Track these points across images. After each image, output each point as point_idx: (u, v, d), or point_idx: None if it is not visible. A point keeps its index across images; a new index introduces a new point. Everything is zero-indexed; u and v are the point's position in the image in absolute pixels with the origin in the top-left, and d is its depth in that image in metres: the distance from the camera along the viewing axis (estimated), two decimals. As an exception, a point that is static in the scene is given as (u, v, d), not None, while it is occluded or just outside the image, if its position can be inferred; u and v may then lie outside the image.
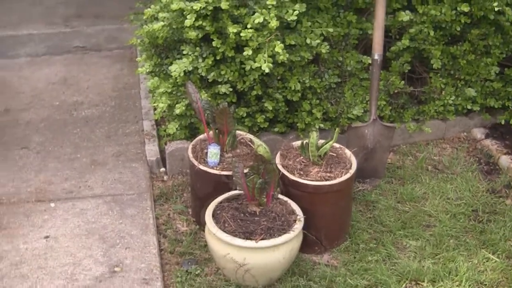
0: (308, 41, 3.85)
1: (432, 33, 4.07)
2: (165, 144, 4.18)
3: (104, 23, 5.83)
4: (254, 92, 3.98)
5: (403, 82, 4.26)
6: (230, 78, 3.91)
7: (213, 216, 3.27)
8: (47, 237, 3.62)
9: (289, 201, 3.36)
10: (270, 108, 4.01)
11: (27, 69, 5.47)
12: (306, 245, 3.40)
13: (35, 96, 5.05)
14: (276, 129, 4.17)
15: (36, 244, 3.57)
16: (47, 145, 4.43)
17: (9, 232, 3.66)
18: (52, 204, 3.88)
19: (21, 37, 5.73)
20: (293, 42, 3.82)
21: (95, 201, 3.88)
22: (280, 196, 3.39)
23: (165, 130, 4.27)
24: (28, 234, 3.64)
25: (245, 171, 3.26)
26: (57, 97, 5.02)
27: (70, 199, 3.91)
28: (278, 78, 3.98)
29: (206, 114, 3.58)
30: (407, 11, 4.04)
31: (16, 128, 4.64)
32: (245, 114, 4.05)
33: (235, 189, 3.37)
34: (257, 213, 3.27)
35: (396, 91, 4.27)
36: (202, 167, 3.52)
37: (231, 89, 3.96)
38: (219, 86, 3.95)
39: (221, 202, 3.37)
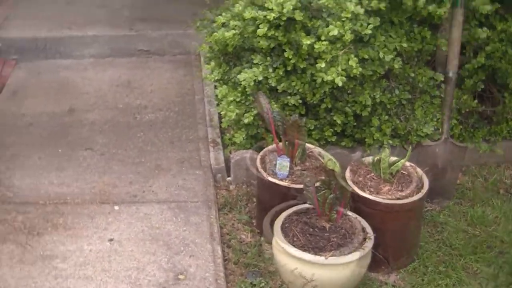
0: (381, 55, 3.79)
1: (510, 51, 3.97)
2: (230, 152, 4.17)
3: (168, 28, 5.86)
4: (324, 105, 3.93)
5: (476, 101, 4.17)
6: (300, 90, 3.88)
7: (281, 229, 3.23)
8: (111, 240, 3.64)
9: (359, 218, 3.31)
10: (339, 122, 3.97)
11: (91, 70, 5.53)
12: (373, 264, 3.33)
13: (99, 97, 5.09)
14: (343, 143, 4.12)
15: (100, 246, 3.59)
16: (111, 147, 4.46)
17: (74, 232, 3.69)
18: (116, 207, 3.89)
19: (86, 38, 5.80)
20: (366, 56, 3.77)
21: (160, 207, 3.88)
22: (350, 212, 3.33)
23: (229, 139, 4.26)
24: (92, 236, 3.66)
25: (316, 185, 3.22)
26: (121, 100, 5.05)
27: (134, 203, 3.92)
28: (349, 92, 3.93)
29: (276, 126, 3.55)
30: (484, 28, 3.94)
31: (80, 128, 4.68)
32: (312, 127, 4.01)
33: (303, 203, 3.34)
34: (327, 229, 3.23)
35: (467, 110, 4.18)
36: (271, 178, 3.49)
37: (300, 101, 3.92)
38: (288, 97, 3.93)
39: (289, 216, 3.33)
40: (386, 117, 4.05)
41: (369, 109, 3.97)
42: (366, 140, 4.07)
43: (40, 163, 4.31)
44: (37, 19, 6.08)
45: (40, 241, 3.62)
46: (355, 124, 4.06)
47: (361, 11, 3.59)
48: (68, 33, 5.85)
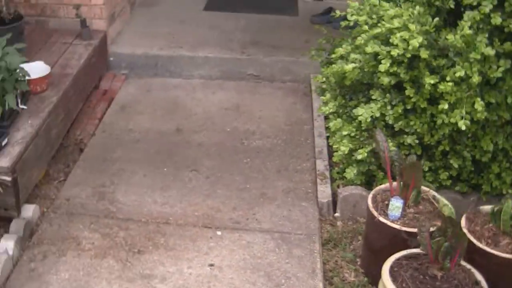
0: (509, 100, 3.71)
1: None
2: (338, 187, 4.17)
3: (280, 54, 5.91)
4: (441, 147, 3.89)
5: None
6: (418, 130, 3.85)
7: (390, 273, 3.20)
8: (211, 265, 3.70)
9: (473, 269, 3.23)
10: (456, 165, 3.91)
11: (200, 91, 5.66)
12: (484, 320, 3.26)
13: (207, 119, 5.21)
14: (457, 188, 4.05)
15: (200, 271, 3.66)
16: (217, 170, 4.54)
17: (175, 254, 3.78)
18: (219, 232, 3.95)
19: (197, 59, 5.92)
20: (492, 100, 3.71)
21: (263, 236, 3.92)
22: (463, 262, 3.26)
23: (338, 173, 4.26)
24: (193, 259, 3.74)
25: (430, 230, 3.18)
26: (229, 123, 5.14)
27: (237, 230, 3.98)
28: (469, 135, 3.87)
29: (392, 165, 3.53)
30: None
31: (187, 149, 4.80)
32: (427, 169, 3.96)
33: (414, 247, 3.29)
34: (439, 278, 3.16)
35: None
36: (382, 219, 3.47)
37: (417, 141, 3.90)
38: (405, 136, 3.90)
39: (398, 259, 3.29)
40: (507, 164, 3.95)
41: (489, 155, 3.89)
42: (483, 187, 3.99)
43: (145, 180, 4.44)
44: (149, 36, 6.26)
45: (141, 259, 3.73)
46: (472, 169, 3.98)
47: (492, 52, 3.54)
48: (179, 52, 5.98)
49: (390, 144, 3.82)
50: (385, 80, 3.79)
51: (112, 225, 4.00)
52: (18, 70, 4.13)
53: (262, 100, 5.52)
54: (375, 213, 3.51)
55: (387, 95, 3.89)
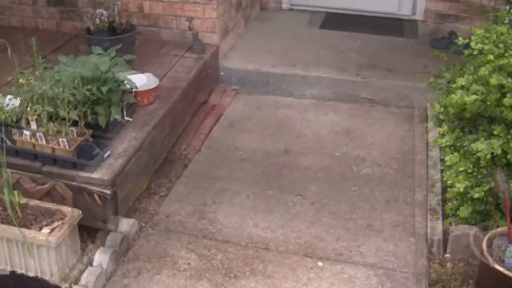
0: None
1: None
2: (450, 224, 3.99)
3: (396, 78, 5.75)
4: None
5: None
6: (543, 171, 3.64)
7: (503, 325, 3.03)
8: (310, 297, 3.63)
9: None
10: None
11: (311, 112, 5.60)
12: None
13: (317, 141, 5.13)
14: None
15: (298, 302, 3.59)
16: (323, 197, 4.45)
17: (273, 282, 3.72)
18: (320, 263, 3.86)
19: (309, 78, 5.87)
20: None
21: (366, 271, 3.79)
22: None
23: (451, 209, 4.08)
24: (290, 289, 3.67)
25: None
26: (339, 148, 5.04)
27: (339, 262, 3.87)
28: None
29: (512, 208, 3.35)
30: None
31: (293, 172, 4.74)
32: (546, 213, 3.73)
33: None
34: (558, 336, 2.97)
35: None
36: (497, 266, 3.28)
37: (539, 183, 3.68)
38: (527, 176, 3.70)
39: (514, 312, 3.11)
40: None
41: None
42: None
43: (248, 202, 4.41)
44: (262, 52, 6.27)
45: (236, 285, 3.69)
46: None
47: None
48: (292, 70, 5.94)
49: (511, 184, 3.62)
50: (510, 115, 3.59)
51: (210, 247, 3.99)
52: (125, 82, 4.20)
53: (374, 125, 5.40)
54: (490, 259, 3.33)
55: (511, 131, 3.69)
